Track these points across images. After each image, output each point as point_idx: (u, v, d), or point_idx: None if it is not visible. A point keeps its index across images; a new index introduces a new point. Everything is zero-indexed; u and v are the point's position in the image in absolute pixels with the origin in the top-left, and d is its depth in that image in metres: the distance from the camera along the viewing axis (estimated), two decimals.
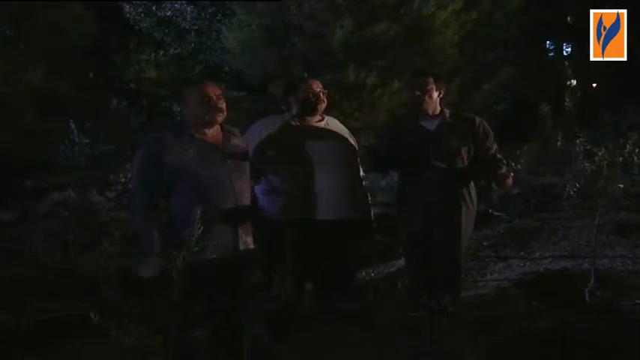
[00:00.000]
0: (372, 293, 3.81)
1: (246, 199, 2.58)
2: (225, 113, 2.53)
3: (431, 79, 3.05)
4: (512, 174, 3.04)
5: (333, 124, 3.07)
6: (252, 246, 2.56)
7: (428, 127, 3.07)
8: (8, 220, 5.89)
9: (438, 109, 3.11)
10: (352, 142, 3.07)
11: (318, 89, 2.96)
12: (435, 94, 3.06)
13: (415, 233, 3.09)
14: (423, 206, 3.03)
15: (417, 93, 3.03)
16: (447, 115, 3.10)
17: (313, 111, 2.96)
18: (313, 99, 2.94)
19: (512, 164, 3.00)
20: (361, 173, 3.09)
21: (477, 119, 3.15)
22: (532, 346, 2.52)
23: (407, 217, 3.13)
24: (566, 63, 9.62)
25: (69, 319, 3.04)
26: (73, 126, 6.29)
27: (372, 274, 4.43)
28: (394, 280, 3.83)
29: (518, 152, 3.06)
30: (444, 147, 3.02)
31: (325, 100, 2.98)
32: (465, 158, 3.06)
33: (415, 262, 3.18)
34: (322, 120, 3.01)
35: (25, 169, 6.84)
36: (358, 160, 3.09)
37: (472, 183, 3.13)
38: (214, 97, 2.48)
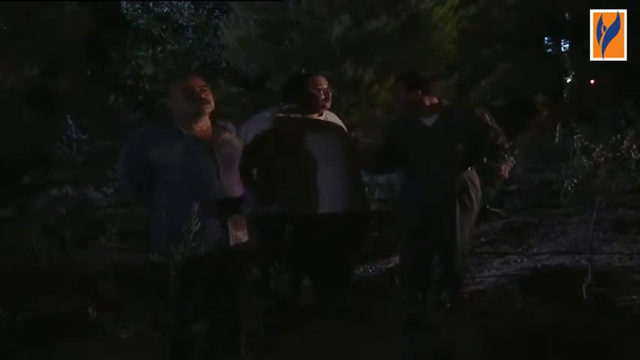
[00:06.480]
0: (370, 290, 3.82)
1: (236, 194, 2.52)
2: (212, 104, 2.48)
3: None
4: (504, 165, 3.05)
5: (331, 118, 3.06)
6: (244, 240, 2.51)
7: (426, 123, 3.08)
8: (5, 217, 5.87)
9: (433, 104, 3.10)
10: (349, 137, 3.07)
11: (327, 86, 2.95)
12: (407, 98, 3.07)
13: (414, 229, 3.09)
14: (421, 201, 3.04)
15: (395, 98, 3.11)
16: (446, 110, 3.10)
17: (319, 108, 2.95)
18: (322, 96, 2.92)
19: (506, 156, 3.00)
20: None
21: (477, 110, 3.17)
22: (529, 341, 2.52)
23: (406, 212, 3.14)
24: (569, 62, 9.62)
25: (66, 315, 3.04)
26: (70, 122, 6.29)
27: (370, 271, 4.42)
28: (392, 277, 3.83)
29: (512, 143, 3.05)
30: (440, 142, 3.02)
31: (331, 98, 2.97)
32: (462, 152, 3.05)
33: (412, 258, 3.17)
34: (322, 114, 3.00)
35: (23, 165, 6.84)
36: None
37: (473, 178, 3.10)
38: (198, 89, 2.45)
